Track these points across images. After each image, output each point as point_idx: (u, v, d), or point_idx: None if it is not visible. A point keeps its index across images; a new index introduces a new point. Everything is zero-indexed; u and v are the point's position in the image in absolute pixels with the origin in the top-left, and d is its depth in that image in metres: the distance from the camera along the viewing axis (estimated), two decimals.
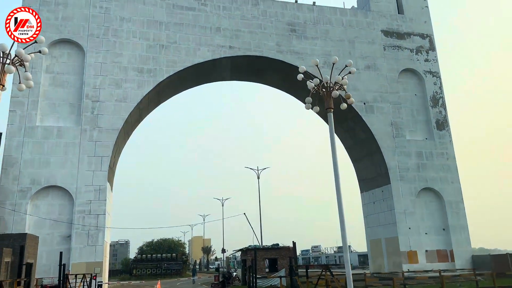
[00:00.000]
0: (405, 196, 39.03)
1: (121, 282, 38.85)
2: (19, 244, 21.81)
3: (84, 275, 25.70)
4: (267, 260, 29.44)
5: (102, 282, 29.71)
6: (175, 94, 41.76)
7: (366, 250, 75.14)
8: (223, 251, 73.05)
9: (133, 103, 34.88)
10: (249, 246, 29.91)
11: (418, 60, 44.14)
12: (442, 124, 42.80)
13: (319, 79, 13.10)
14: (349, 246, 78.23)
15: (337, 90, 12.33)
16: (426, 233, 39.13)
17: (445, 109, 43.56)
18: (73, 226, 31.24)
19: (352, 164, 45.18)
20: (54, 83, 33.94)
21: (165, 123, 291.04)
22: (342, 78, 12.47)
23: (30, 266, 23.21)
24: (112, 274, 76.40)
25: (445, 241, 39.49)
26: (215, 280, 29.84)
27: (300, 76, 13.46)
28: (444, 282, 17.50)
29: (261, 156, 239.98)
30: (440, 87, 44.18)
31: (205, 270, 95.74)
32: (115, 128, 33.94)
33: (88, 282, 26.56)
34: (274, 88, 45.72)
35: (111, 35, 35.67)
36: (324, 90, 12.69)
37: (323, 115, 44.66)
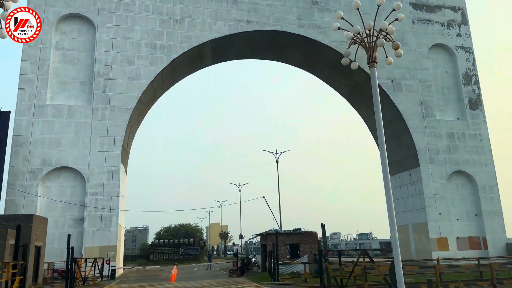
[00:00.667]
0: (435, 180, 36.54)
1: (136, 267, 37.71)
2: (26, 225, 20.47)
3: (95, 259, 24.31)
4: (288, 246, 27.62)
5: (115, 266, 28.45)
6: (190, 73, 39.89)
7: (388, 238, 72.72)
8: (241, 237, 71.84)
9: (147, 81, 33.17)
10: (269, 230, 28.13)
11: (449, 34, 41.08)
12: (475, 103, 39.88)
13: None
14: (370, 233, 75.96)
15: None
16: (457, 219, 36.66)
17: (478, 87, 40.56)
18: (86, 209, 29.99)
19: (377, 147, 42.70)
20: (64, 60, 32.46)
21: (180, 104, 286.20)
22: (389, 24, 10.29)
23: (38, 249, 21.93)
24: (131, 259, 76.26)
25: (477, 228, 36.97)
26: (233, 266, 28.23)
27: (335, 25, 11.38)
28: (493, 271, 15.32)
29: (280, 140, 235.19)
30: (473, 64, 41.12)
31: (223, 256, 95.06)
32: (128, 107, 32.36)
33: (100, 267, 25.21)
34: (294, 67, 43.38)
35: (123, 9, 33.86)
36: (365, 41, 10.54)
37: (345, 93, 42.19)
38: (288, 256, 27.46)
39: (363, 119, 42.83)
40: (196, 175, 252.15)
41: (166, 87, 38.28)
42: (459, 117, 39.38)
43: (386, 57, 11.60)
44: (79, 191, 30.61)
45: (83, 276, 22.69)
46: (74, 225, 29.90)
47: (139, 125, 37.93)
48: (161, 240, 70.60)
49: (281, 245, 26.66)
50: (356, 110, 42.81)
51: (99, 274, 25.37)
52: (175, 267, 31.00)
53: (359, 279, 14.87)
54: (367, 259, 12.55)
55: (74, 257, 20.09)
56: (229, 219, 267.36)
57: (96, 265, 24.17)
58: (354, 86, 39.97)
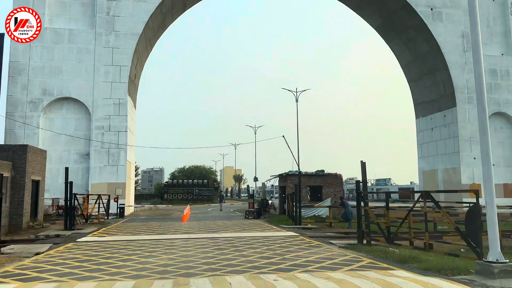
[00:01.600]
0: (473, 122, 33.05)
1: (146, 206, 36.36)
2: (19, 157, 18.33)
3: (99, 195, 22.35)
4: (309, 188, 25.30)
5: (124, 204, 26.74)
6: None
7: (408, 184, 70.41)
8: (255, 179, 70.40)
9: (154, 3, 29.52)
10: (290, 171, 25.73)
11: None
12: None
13: None
14: (389, 179, 73.70)
15: None
16: (493, 165, 33.56)
17: None
18: (91, 143, 27.86)
19: (407, 85, 38.92)
20: None
21: (193, 37, 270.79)
22: None
23: (36, 184, 19.97)
24: (146, 198, 76.37)
25: None
26: (250, 207, 26.23)
27: None
28: None
29: (300, 78, 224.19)
30: None
31: (237, 198, 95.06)
32: (134, 32, 29.06)
33: (105, 204, 23.35)
34: None
35: None
36: None
37: (376, 24, 37.73)
38: (309, 199, 25.25)
39: (394, 54, 38.66)
40: (211, 117, 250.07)
41: (176, 13, 34.46)
42: (503, 52, 35.08)
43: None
44: (84, 124, 28.34)
45: (86, 214, 20.80)
46: (79, 160, 27.97)
47: (147, 56, 34.74)
48: (175, 180, 69.74)
49: (302, 187, 24.34)
50: (387, 43, 38.53)
51: (105, 212, 23.58)
52: (187, 207, 29.31)
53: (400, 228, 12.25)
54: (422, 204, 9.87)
55: (73, 192, 18.01)
56: (244, 164, 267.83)
57: (101, 202, 22.23)
58: (387, 16, 35.47)
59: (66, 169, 17.87)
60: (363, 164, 11.80)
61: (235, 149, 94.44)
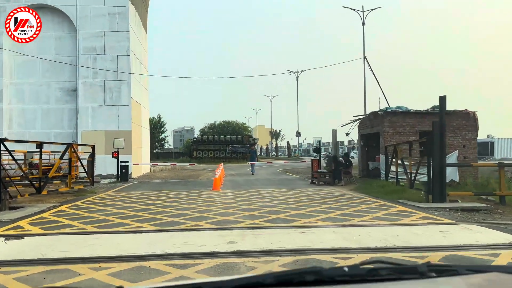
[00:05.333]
0: None
1: (160, 164, 27.74)
2: None
3: (69, 145, 13.11)
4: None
5: (128, 162, 18.03)
6: None
7: (484, 138, 58.52)
8: (298, 134, 61.31)
9: None
10: (387, 108, 15.99)
11: None
12: None
13: None
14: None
15: None
16: None
17: None
18: (79, 73, 18.99)
19: None
20: None
21: None
22: None
23: None
24: (175, 156, 69.21)
25: None
26: (315, 169, 16.90)
27: None
28: None
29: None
30: None
31: (274, 155, 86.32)
32: None
33: (87, 162, 14.43)
34: None
35: None
36: None
37: None
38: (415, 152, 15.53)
39: None
40: (242, 56, 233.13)
41: None
42: None
43: None
44: (69, 46, 19.41)
45: (39, 179, 11.94)
46: (64, 98, 19.31)
47: None
48: (205, 136, 61.32)
49: (406, 133, 14.78)
50: None
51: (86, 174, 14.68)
52: (220, 166, 20.49)
53: None
54: None
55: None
56: (279, 123, 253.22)
57: (75, 157, 13.28)
58: None
59: None
60: None
61: (271, 101, 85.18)
